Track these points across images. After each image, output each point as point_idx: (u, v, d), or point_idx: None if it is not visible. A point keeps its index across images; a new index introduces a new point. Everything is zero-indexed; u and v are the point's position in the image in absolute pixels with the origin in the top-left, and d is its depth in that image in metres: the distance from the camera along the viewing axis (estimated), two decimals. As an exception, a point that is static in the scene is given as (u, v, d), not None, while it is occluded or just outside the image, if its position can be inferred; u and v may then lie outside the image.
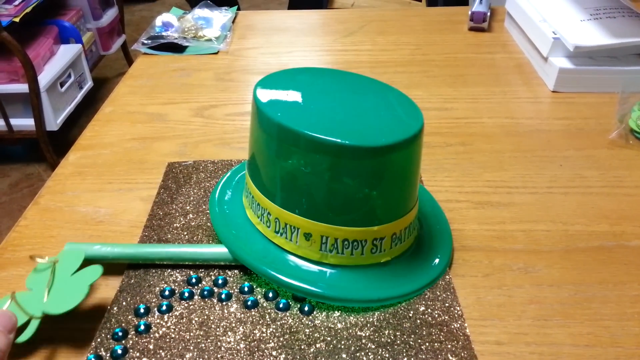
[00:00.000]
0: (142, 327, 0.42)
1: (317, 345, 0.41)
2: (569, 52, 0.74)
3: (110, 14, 2.23)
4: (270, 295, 0.45)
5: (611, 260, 0.48)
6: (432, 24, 0.97)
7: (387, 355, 0.40)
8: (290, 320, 0.43)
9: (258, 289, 0.46)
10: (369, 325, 0.43)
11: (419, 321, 0.43)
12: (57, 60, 1.82)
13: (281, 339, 0.42)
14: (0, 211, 1.72)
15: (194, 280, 0.47)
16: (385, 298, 0.44)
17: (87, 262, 0.45)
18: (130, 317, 0.44)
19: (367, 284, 0.45)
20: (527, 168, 0.60)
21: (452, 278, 0.47)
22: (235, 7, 1.05)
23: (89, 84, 2.01)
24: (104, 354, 0.41)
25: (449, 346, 0.41)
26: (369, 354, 0.40)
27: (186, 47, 0.89)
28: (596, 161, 0.61)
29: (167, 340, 0.42)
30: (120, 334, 0.42)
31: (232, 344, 0.41)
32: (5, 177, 1.86)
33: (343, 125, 0.43)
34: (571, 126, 0.68)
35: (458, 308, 0.44)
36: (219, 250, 0.47)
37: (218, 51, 0.89)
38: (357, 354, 0.40)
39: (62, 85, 1.81)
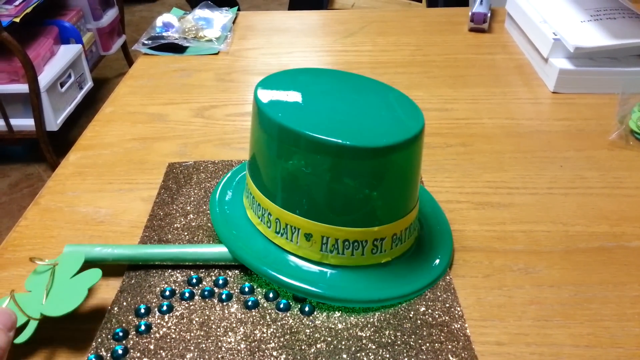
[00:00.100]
0: (143, 328, 0.42)
1: (318, 346, 0.41)
2: (569, 53, 0.74)
3: (111, 15, 2.24)
4: (271, 295, 0.45)
5: (611, 261, 0.48)
6: (433, 25, 0.97)
7: (387, 355, 0.40)
8: (291, 321, 0.43)
9: (259, 289, 0.46)
10: (369, 325, 0.43)
11: (419, 322, 0.43)
12: (57, 61, 1.82)
13: (282, 339, 0.42)
14: (0, 211, 1.72)
15: (194, 280, 0.47)
16: (385, 298, 0.44)
17: (87, 264, 0.45)
18: (130, 317, 0.44)
19: (368, 285, 0.45)
20: (528, 169, 0.60)
21: (452, 279, 0.47)
22: (236, 7, 1.05)
23: (89, 84, 2.01)
24: (104, 354, 0.41)
25: (450, 347, 0.41)
26: (370, 354, 0.40)
27: (187, 47, 0.89)
28: (596, 162, 0.61)
29: (168, 340, 0.42)
30: (120, 334, 0.42)
31: (233, 344, 0.41)
32: (5, 177, 1.86)
33: (344, 126, 0.43)
34: (571, 127, 0.68)
35: (458, 308, 0.44)
36: (219, 251, 0.47)
37: (218, 52, 0.89)
38: (358, 355, 0.40)
39: (62, 85, 1.81)
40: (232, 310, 0.44)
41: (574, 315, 0.43)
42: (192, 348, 0.41)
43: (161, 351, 0.41)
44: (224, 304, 0.45)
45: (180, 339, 0.42)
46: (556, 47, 0.75)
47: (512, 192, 0.57)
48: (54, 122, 1.76)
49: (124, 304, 0.45)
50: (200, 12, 0.98)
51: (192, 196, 0.56)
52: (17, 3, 1.67)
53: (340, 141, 0.40)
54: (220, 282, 0.46)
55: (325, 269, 0.45)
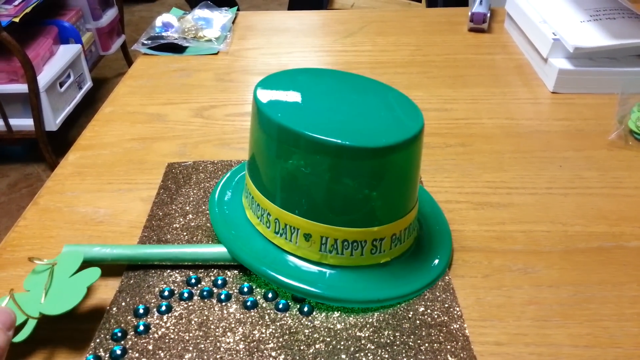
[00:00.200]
0: (142, 328, 0.42)
1: (317, 346, 0.41)
2: (568, 53, 0.74)
3: (110, 14, 2.23)
4: (270, 295, 0.45)
5: (610, 261, 0.48)
6: (432, 25, 0.97)
7: (386, 355, 0.40)
8: (290, 321, 0.43)
9: (257, 289, 0.46)
10: (368, 325, 0.43)
11: (418, 322, 0.43)
12: (56, 61, 1.82)
13: (280, 339, 0.42)
14: (-1, 211, 1.72)
15: (193, 280, 0.46)
16: (384, 299, 0.44)
17: (86, 264, 0.45)
18: (129, 317, 0.44)
19: (367, 285, 0.45)
20: (527, 169, 0.60)
21: (451, 279, 0.47)
22: (235, 7, 1.05)
23: (88, 84, 2.01)
24: (103, 354, 0.41)
25: (449, 347, 0.41)
26: (369, 354, 0.40)
27: (186, 47, 0.89)
28: (596, 162, 0.61)
29: (167, 340, 0.42)
30: (119, 334, 0.42)
31: (232, 344, 0.41)
32: (4, 177, 1.86)
33: (343, 126, 0.43)
34: (571, 127, 0.68)
35: (457, 309, 0.44)
36: (218, 251, 0.47)
37: (218, 52, 0.89)
38: (357, 355, 0.40)
39: (61, 85, 1.81)
40: (231, 310, 0.44)
41: (573, 315, 0.43)
42: (190, 348, 0.41)
43: (160, 351, 0.41)
44: (223, 304, 0.45)
45: (179, 339, 0.42)
46: (556, 47, 0.75)
47: (511, 192, 0.57)
48: (53, 122, 1.76)
49: (123, 304, 0.45)
50: (199, 12, 0.98)
51: (191, 196, 0.56)
52: (16, 3, 1.67)
53: (339, 141, 0.40)
54: (219, 282, 0.46)
55: (324, 269, 0.45)
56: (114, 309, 0.44)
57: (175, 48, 0.89)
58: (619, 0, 0.84)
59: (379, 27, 0.97)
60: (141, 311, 0.44)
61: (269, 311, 0.44)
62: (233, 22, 0.99)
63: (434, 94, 0.75)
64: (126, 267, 0.48)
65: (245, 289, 0.46)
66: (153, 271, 0.48)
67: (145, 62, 0.86)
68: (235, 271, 0.48)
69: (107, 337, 0.42)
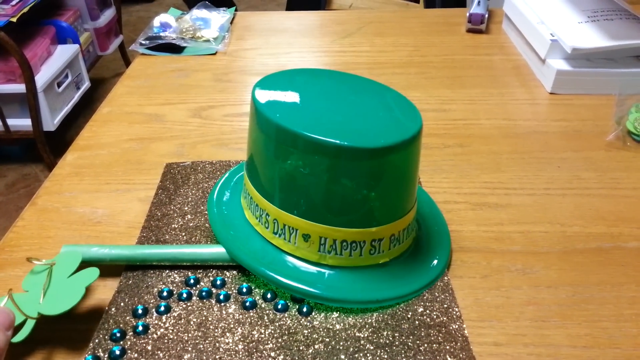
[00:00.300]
0: (140, 328, 0.42)
1: (316, 346, 0.41)
2: (566, 54, 0.74)
3: (108, 15, 2.23)
4: (269, 296, 0.45)
5: (609, 261, 0.48)
6: (430, 26, 0.98)
7: (385, 356, 0.40)
8: (289, 321, 0.43)
9: (256, 289, 0.46)
10: (367, 326, 0.43)
11: (417, 322, 0.43)
12: (54, 61, 1.81)
13: (280, 340, 0.42)
14: (-4, 212, 1.71)
15: (192, 281, 0.46)
16: (383, 299, 0.44)
17: (85, 264, 0.45)
18: (128, 318, 0.43)
19: (366, 285, 0.45)
20: (525, 169, 0.60)
21: (450, 279, 0.47)
22: (234, 7, 1.05)
23: (86, 84, 2.01)
24: (101, 354, 0.41)
25: (448, 347, 0.41)
26: (368, 355, 0.40)
27: (184, 47, 0.89)
28: (593, 163, 0.61)
29: (165, 341, 0.42)
30: (118, 334, 0.42)
31: (231, 345, 0.41)
32: (2, 177, 1.86)
33: (341, 127, 0.43)
34: (569, 128, 0.68)
35: (456, 309, 0.44)
36: (217, 251, 0.47)
37: (216, 52, 0.89)
38: (356, 355, 0.40)
39: (59, 85, 1.81)
40: (230, 310, 0.44)
41: (572, 315, 0.43)
42: (189, 349, 0.41)
43: (159, 352, 0.41)
44: (222, 304, 0.45)
45: (177, 339, 0.42)
46: (553, 48, 0.75)
47: (509, 193, 0.57)
48: (51, 122, 1.76)
49: (122, 304, 0.45)
50: (197, 13, 0.98)
51: (189, 197, 0.56)
52: (14, 3, 1.67)
53: (338, 142, 0.40)
54: (218, 282, 0.46)
55: (323, 270, 0.45)
56: (113, 309, 0.44)
57: (173, 48, 0.89)
58: (617, 2, 0.84)
59: (377, 28, 0.97)
60: (140, 311, 0.44)
61: (267, 311, 0.44)
62: (231, 23, 0.99)
63: (432, 95, 0.75)
64: (125, 268, 0.48)
65: (244, 290, 0.46)
66: (152, 271, 0.47)
67: (143, 62, 0.86)
68: (234, 271, 0.47)
69: (106, 337, 0.42)
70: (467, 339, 0.42)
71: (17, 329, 0.40)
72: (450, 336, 0.42)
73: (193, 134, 0.68)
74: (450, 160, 0.62)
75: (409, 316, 0.43)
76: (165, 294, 0.45)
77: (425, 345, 0.41)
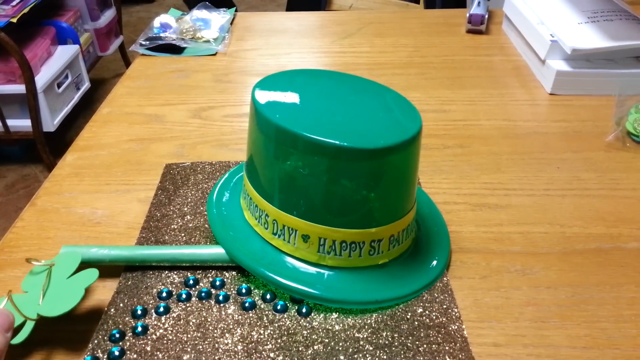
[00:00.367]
0: (140, 329, 0.42)
1: (315, 347, 0.41)
2: (566, 54, 0.74)
3: (108, 15, 2.23)
4: (268, 296, 0.45)
5: (608, 262, 0.48)
6: (430, 26, 0.98)
7: (384, 357, 0.40)
8: (288, 322, 0.43)
9: (256, 290, 0.46)
10: (366, 327, 0.43)
11: (416, 323, 0.43)
12: (54, 61, 1.81)
13: (279, 340, 0.42)
14: (-4, 212, 1.71)
15: (191, 281, 0.46)
16: (383, 300, 0.44)
17: (84, 265, 0.45)
18: (127, 318, 0.43)
19: (365, 286, 0.45)
20: (525, 170, 0.60)
21: (449, 280, 0.47)
22: (234, 8, 1.05)
23: (86, 85, 2.01)
24: (101, 355, 0.41)
25: (447, 348, 0.41)
26: (367, 355, 0.40)
27: (184, 48, 0.89)
28: (593, 163, 0.61)
29: (165, 341, 0.42)
30: (117, 335, 0.42)
31: (230, 345, 0.41)
32: (1, 178, 1.86)
33: (341, 127, 0.43)
34: (568, 129, 0.68)
35: (456, 310, 0.44)
36: (216, 252, 0.47)
37: (216, 52, 0.89)
38: (355, 356, 0.40)
39: (59, 86, 1.81)
40: (229, 311, 0.44)
41: (571, 316, 0.43)
42: (188, 349, 0.41)
43: (158, 352, 0.41)
44: (221, 305, 0.45)
45: (177, 340, 0.42)
46: (553, 48, 0.75)
47: (509, 194, 0.57)
48: (50, 122, 1.76)
49: (121, 305, 0.45)
50: (197, 13, 0.98)
51: (189, 197, 0.56)
52: (14, 3, 1.67)
53: (337, 142, 0.40)
54: (217, 283, 0.46)
55: (322, 270, 0.45)
56: (112, 310, 0.44)
57: (174, 49, 0.89)
58: (617, 2, 0.84)
59: (377, 29, 0.97)
60: (139, 312, 0.44)
61: (267, 312, 0.44)
62: (231, 23, 0.99)
63: (432, 95, 0.75)
64: (124, 268, 0.48)
65: (244, 290, 0.46)
66: (151, 272, 0.47)
67: (143, 62, 0.86)
68: (234, 272, 0.47)
69: (105, 338, 0.42)
70: (466, 339, 0.42)
71: (17, 330, 0.40)
72: (450, 337, 0.42)
73: (193, 134, 0.68)
74: (450, 160, 0.62)
75: (408, 317, 0.43)
76: (164, 294, 0.45)
77: (425, 346, 0.41)
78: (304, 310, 0.44)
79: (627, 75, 0.73)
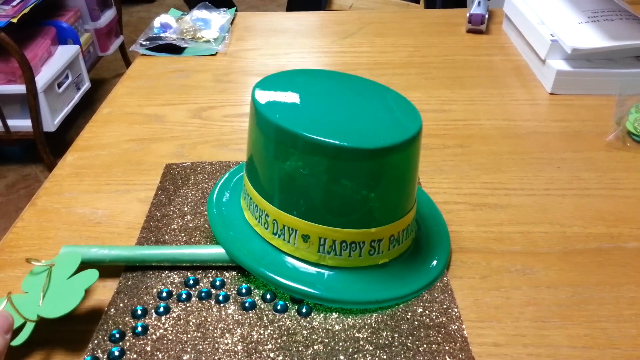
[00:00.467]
0: (140, 329, 0.42)
1: (315, 347, 0.41)
2: (566, 54, 0.74)
3: (108, 15, 2.23)
4: (268, 296, 0.45)
5: (608, 262, 0.48)
6: (431, 26, 0.98)
7: (384, 357, 0.40)
8: (288, 322, 0.43)
9: (256, 290, 0.46)
10: (366, 327, 0.43)
11: (416, 323, 0.43)
12: (54, 61, 1.81)
13: (279, 340, 0.42)
14: (-3, 212, 1.71)
15: (191, 281, 0.46)
16: (383, 300, 0.44)
17: (84, 265, 0.45)
18: (127, 318, 0.43)
19: (365, 286, 0.45)
20: (525, 170, 0.60)
21: (449, 280, 0.47)
22: (234, 8, 1.05)
23: (86, 85, 2.01)
24: (101, 355, 0.41)
25: (447, 348, 0.41)
26: (367, 355, 0.40)
27: (184, 48, 0.89)
28: (593, 163, 0.61)
29: (165, 341, 0.42)
30: (117, 335, 0.42)
31: (230, 345, 0.41)
32: (2, 178, 1.86)
33: (341, 127, 0.43)
34: (569, 128, 0.68)
35: (456, 310, 0.44)
36: (216, 252, 0.47)
37: (216, 52, 0.89)
38: (355, 356, 0.40)
39: (59, 86, 1.81)
40: (229, 311, 0.44)
41: (571, 316, 0.43)
42: (188, 349, 0.41)
43: (158, 352, 0.41)
44: (221, 305, 0.45)
45: (177, 340, 0.42)
46: (553, 48, 0.75)
47: (509, 193, 0.57)
48: (51, 122, 1.76)
49: (121, 305, 0.45)
50: (198, 13, 0.98)
51: (189, 197, 0.56)
52: (14, 3, 1.67)
53: (337, 142, 0.40)
54: (218, 283, 0.46)
55: (322, 270, 0.45)
56: (112, 310, 0.44)
57: (174, 49, 0.89)
58: (617, 2, 0.84)
59: (377, 28, 0.97)
60: (139, 312, 0.44)
61: (267, 312, 0.44)
62: (231, 23, 0.99)
63: (432, 95, 0.75)
64: (124, 269, 0.48)
65: (244, 290, 0.46)
66: (151, 272, 0.47)
67: (143, 63, 0.86)
68: (234, 272, 0.47)
69: (105, 338, 0.42)
70: (466, 339, 0.42)
71: (17, 331, 0.40)
72: (450, 337, 0.42)
73: (193, 134, 0.68)
74: (450, 160, 0.62)
75: (408, 317, 0.43)
76: (164, 294, 0.45)
77: (425, 345, 0.41)
78: (304, 310, 0.44)
79: (627, 75, 0.73)
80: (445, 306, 0.44)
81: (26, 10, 1.66)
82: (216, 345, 0.41)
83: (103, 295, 0.46)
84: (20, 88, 1.67)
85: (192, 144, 0.66)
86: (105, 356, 0.41)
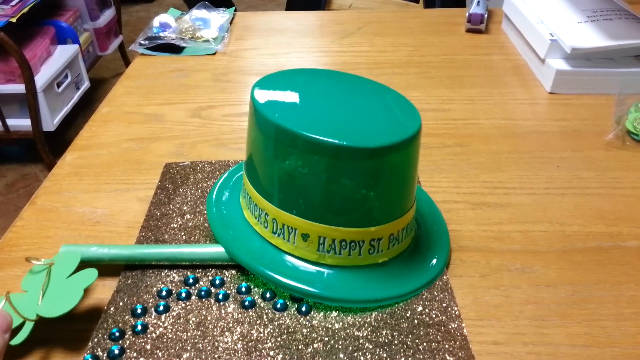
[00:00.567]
0: (139, 328, 0.42)
1: (315, 346, 0.41)
2: (566, 53, 0.74)
3: (108, 15, 2.23)
4: (268, 295, 0.45)
5: (608, 260, 0.48)
6: (430, 26, 0.98)
7: (384, 355, 0.40)
8: (288, 321, 0.43)
9: (255, 289, 0.46)
10: (366, 325, 0.43)
11: (416, 321, 0.43)
12: (54, 61, 1.81)
13: (278, 339, 0.42)
14: (-4, 212, 1.71)
15: (191, 280, 0.46)
16: (382, 298, 0.44)
17: (84, 264, 0.45)
18: (127, 317, 0.43)
19: (365, 285, 0.45)
20: (524, 169, 0.60)
21: (449, 278, 0.47)
22: (233, 8, 1.05)
23: (85, 85, 2.01)
24: (100, 354, 0.41)
25: (447, 346, 0.41)
26: (367, 354, 0.40)
27: (184, 47, 0.89)
28: (593, 162, 0.61)
29: (164, 340, 0.42)
30: (117, 334, 0.42)
31: (230, 344, 0.41)
32: (1, 177, 1.86)
33: (341, 126, 0.43)
34: (568, 127, 0.68)
35: (455, 308, 0.44)
36: (216, 251, 0.47)
37: (215, 52, 0.89)
38: (355, 354, 0.40)
39: (58, 85, 1.81)
40: (229, 310, 0.44)
41: (571, 315, 0.43)
42: (188, 348, 0.41)
43: (158, 351, 0.41)
44: (221, 304, 0.45)
45: (176, 339, 0.42)
46: (553, 48, 0.75)
47: (509, 192, 0.57)
48: (50, 122, 1.76)
49: (121, 304, 0.45)
50: (197, 13, 0.98)
51: (188, 196, 0.56)
52: (13, 3, 1.67)
53: (337, 141, 0.40)
54: (217, 282, 0.46)
55: (322, 269, 0.45)
56: (112, 308, 0.44)
57: (173, 48, 0.89)
58: (616, 1, 0.84)
59: (376, 28, 0.97)
60: (139, 311, 0.44)
61: (266, 311, 0.44)
62: (230, 23, 0.99)
63: (432, 95, 0.75)
64: (124, 267, 0.48)
65: (243, 289, 0.46)
66: (151, 271, 0.47)
67: (142, 62, 0.86)
68: (233, 271, 0.47)
69: (105, 336, 0.42)
70: (466, 337, 0.42)
71: (16, 330, 0.40)
72: (449, 335, 0.42)
73: (192, 134, 0.68)
74: (449, 159, 0.62)
75: (408, 315, 0.43)
76: (164, 293, 0.45)
77: (424, 344, 0.41)
78: (303, 308, 0.44)
79: (626, 74, 0.73)
80: (445, 305, 0.44)
81: (25, 10, 1.66)
82: (216, 343, 0.41)
83: (103, 294, 0.46)
84: (19, 88, 1.67)
85: (192, 143, 0.66)
86: (105, 355, 0.41)
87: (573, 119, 0.69)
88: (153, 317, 0.44)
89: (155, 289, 0.46)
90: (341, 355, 0.40)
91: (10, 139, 1.80)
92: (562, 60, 0.75)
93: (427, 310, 0.44)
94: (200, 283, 0.46)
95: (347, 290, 0.44)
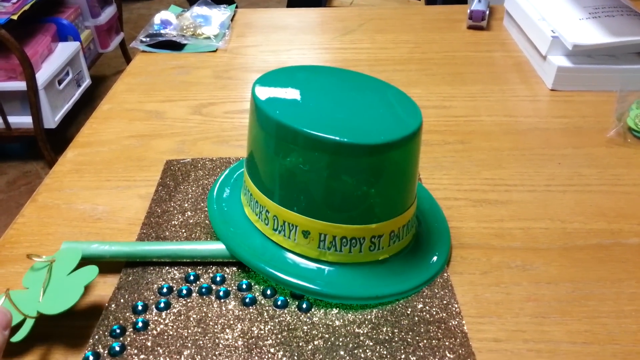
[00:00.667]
0: (140, 324, 0.42)
1: (315, 342, 0.41)
2: (567, 50, 0.74)
3: (109, 12, 2.23)
4: (269, 292, 0.45)
5: (609, 258, 0.48)
6: (431, 22, 0.97)
7: (385, 352, 0.40)
8: (288, 318, 0.43)
9: (256, 286, 0.46)
10: (367, 322, 0.43)
11: (416, 318, 0.43)
12: (55, 58, 1.81)
13: (279, 336, 0.42)
14: (-2, 209, 1.72)
15: (192, 277, 0.46)
16: (383, 295, 0.44)
17: (85, 260, 0.45)
18: (128, 314, 0.44)
19: (365, 282, 0.45)
20: (526, 166, 0.60)
21: (450, 275, 0.47)
22: (234, 5, 1.05)
23: (87, 82, 2.01)
24: (101, 350, 0.41)
25: (447, 343, 0.41)
26: (367, 351, 0.40)
27: (185, 44, 0.89)
28: (594, 159, 0.61)
29: (165, 337, 0.42)
30: (118, 331, 0.42)
31: (230, 341, 0.41)
32: (2, 174, 1.86)
33: (342, 123, 0.43)
34: (569, 124, 0.68)
35: (456, 305, 0.44)
36: (217, 248, 0.47)
37: (217, 49, 0.88)
38: (355, 351, 0.40)
39: (60, 83, 1.81)
40: (230, 307, 0.44)
41: (572, 312, 0.43)
42: (189, 345, 0.41)
43: (158, 348, 0.41)
44: (222, 300, 0.45)
45: (177, 335, 0.42)
46: (554, 44, 0.75)
47: (510, 190, 0.57)
48: (51, 119, 1.76)
49: (121, 300, 0.45)
50: (198, 10, 0.98)
51: (189, 193, 0.56)
52: (14, 0, 1.67)
53: (338, 138, 0.40)
54: (218, 279, 0.46)
55: (322, 266, 0.45)
56: (113, 305, 0.44)
57: (174, 45, 0.89)
58: (618, -2, 0.84)
59: (377, 25, 0.97)
60: (140, 308, 0.44)
61: (267, 308, 0.44)
62: (232, 20, 0.99)
63: (433, 92, 0.75)
64: (125, 264, 0.48)
65: (244, 286, 0.46)
66: (151, 268, 0.48)
67: (143, 59, 0.86)
68: (234, 268, 0.48)
69: (106, 333, 0.42)
70: (466, 335, 0.42)
71: (17, 327, 0.40)
72: (450, 332, 0.42)
73: (193, 131, 0.68)
74: (450, 156, 0.62)
75: (409, 312, 0.43)
76: (165, 290, 0.45)
77: (425, 341, 0.41)
78: (304, 305, 0.44)
79: (628, 71, 0.73)
80: (445, 302, 0.44)
81: (26, 7, 1.66)
82: (217, 340, 0.41)
83: (104, 291, 0.46)
84: (20, 85, 1.67)
85: (193, 140, 0.66)
86: (106, 351, 0.41)
87: (574, 115, 0.69)
88: (154, 314, 0.44)
89: (156, 285, 0.46)
90: (342, 352, 0.40)
91: (11, 136, 1.80)
92: (564, 57, 0.75)
93: (427, 307, 0.44)
94: (201, 280, 0.46)
95: (348, 287, 0.44)
